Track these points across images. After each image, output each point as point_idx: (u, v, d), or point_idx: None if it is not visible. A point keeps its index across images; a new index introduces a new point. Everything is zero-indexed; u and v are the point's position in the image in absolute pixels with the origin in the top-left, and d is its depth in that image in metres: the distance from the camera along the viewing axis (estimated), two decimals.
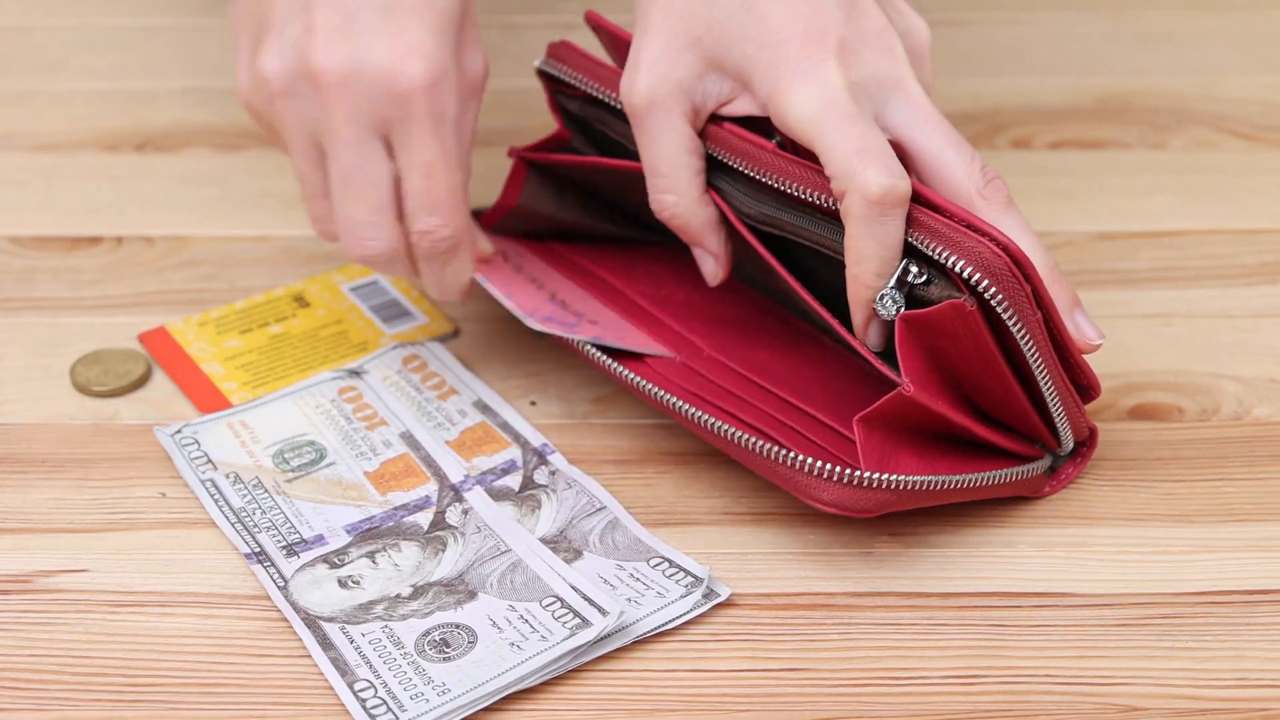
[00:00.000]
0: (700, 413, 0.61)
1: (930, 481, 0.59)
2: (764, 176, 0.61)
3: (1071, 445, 0.63)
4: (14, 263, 0.77)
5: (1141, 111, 0.87)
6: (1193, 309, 0.73)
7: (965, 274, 0.57)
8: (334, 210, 0.64)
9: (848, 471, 0.57)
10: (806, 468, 0.58)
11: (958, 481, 0.59)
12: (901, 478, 0.58)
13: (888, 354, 0.60)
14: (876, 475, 0.57)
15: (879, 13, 0.62)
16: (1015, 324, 0.57)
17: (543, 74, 0.70)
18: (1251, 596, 0.59)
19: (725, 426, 0.60)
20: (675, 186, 0.63)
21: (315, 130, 0.63)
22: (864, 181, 0.57)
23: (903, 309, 0.58)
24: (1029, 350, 0.58)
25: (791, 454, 0.58)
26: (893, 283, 0.58)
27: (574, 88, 0.68)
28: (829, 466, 0.58)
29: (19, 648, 0.58)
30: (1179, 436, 0.66)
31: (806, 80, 0.59)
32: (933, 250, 0.57)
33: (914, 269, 0.58)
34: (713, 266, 0.65)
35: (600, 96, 0.67)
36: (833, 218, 0.60)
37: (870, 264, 0.58)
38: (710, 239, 0.64)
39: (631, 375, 0.63)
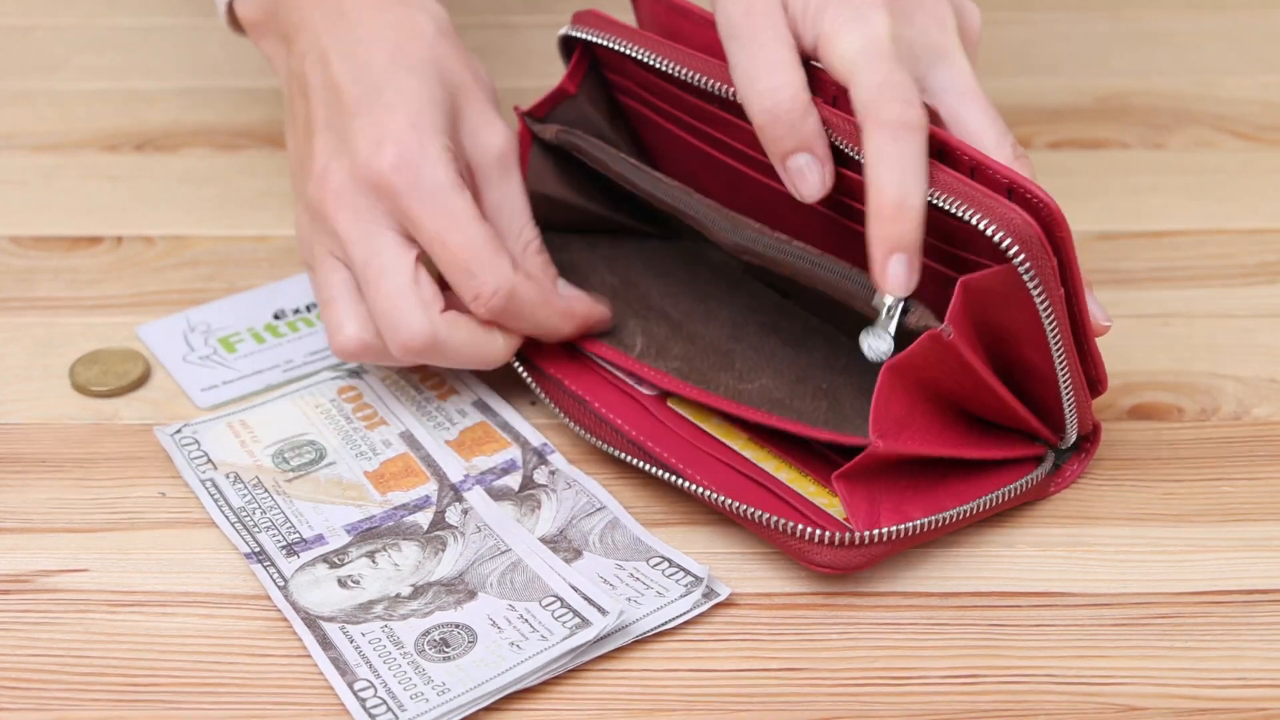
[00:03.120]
0: (689, 483, 0.61)
1: (927, 524, 0.59)
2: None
3: (1074, 438, 0.62)
4: (14, 263, 0.77)
5: (1141, 111, 0.87)
6: (1193, 309, 0.73)
7: (996, 238, 0.56)
8: (371, 314, 0.64)
9: (839, 535, 0.57)
10: (798, 534, 0.58)
11: (957, 515, 0.59)
12: (896, 528, 0.58)
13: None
14: (869, 532, 0.57)
15: None
16: (1040, 295, 0.56)
17: (565, 42, 0.69)
18: (1251, 596, 0.59)
19: (717, 495, 0.60)
20: (793, 84, 0.60)
21: (328, 247, 0.65)
22: (879, 109, 0.57)
23: (892, 350, 0.58)
24: (1049, 325, 0.57)
25: (783, 522, 0.58)
26: (886, 336, 0.58)
27: (605, 49, 0.67)
28: (820, 532, 0.58)
29: (19, 648, 0.58)
30: (1179, 436, 0.66)
31: (855, 25, 0.59)
32: (963, 212, 0.56)
33: (887, 302, 0.58)
34: (819, 174, 0.60)
35: (640, 56, 0.65)
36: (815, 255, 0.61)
37: (887, 192, 0.57)
38: (820, 144, 0.60)
39: (610, 448, 0.64)
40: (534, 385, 0.66)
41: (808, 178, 0.60)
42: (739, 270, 0.70)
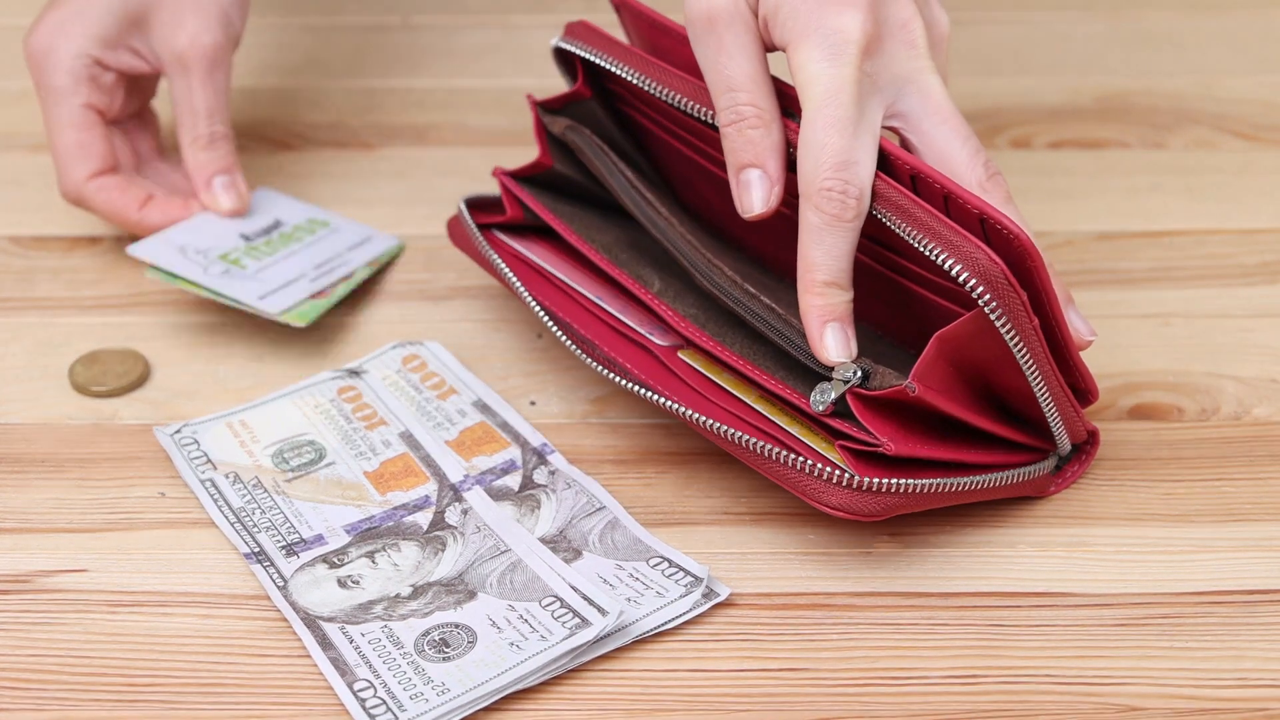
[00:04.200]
0: (702, 416, 0.61)
1: (938, 484, 0.59)
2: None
3: (1069, 449, 0.63)
4: (14, 263, 0.77)
5: (1141, 111, 0.87)
6: (1193, 309, 0.73)
7: (961, 279, 0.56)
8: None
9: (854, 476, 0.57)
10: (812, 471, 0.58)
11: (965, 484, 0.59)
12: (908, 481, 0.58)
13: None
14: (883, 480, 0.57)
15: (908, 1, 0.62)
16: (1009, 333, 0.57)
17: (560, 52, 0.69)
18: (1251, 596, 0.59)
19: (728, 429, 0.60)
20: (756, 99, 0.61)
21: None
22: (821, 200, 0.58)
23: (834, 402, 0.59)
24: (1022, 358, 0.58)
25: (797, 457, 0.58)
26: (830, 395, 0.59)
27: (592, 66, 0.67)
28: (834, 471, 0.57)
29: (19, 648, 0.58)
30: (1179, 436, 0.66)
31: (824, 56, 0.59)
32: (929, 250, 0.57)
33: (848, 374, 0.58)
34: (765, 192, 0.61)
35: (625, 75, 0.65)
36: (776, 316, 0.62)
37: (818, 273, 0.59)
38: (774, 162, 0.61)
39: (626, 383, 0.63)
40: (550, 323, 0.66)
41: (752, 193, 0.61)
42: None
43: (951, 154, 0.61)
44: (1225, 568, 0.60)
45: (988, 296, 0.56)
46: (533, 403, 0.68)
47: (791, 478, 0.59)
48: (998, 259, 0.56)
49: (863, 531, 0.62)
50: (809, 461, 0.58)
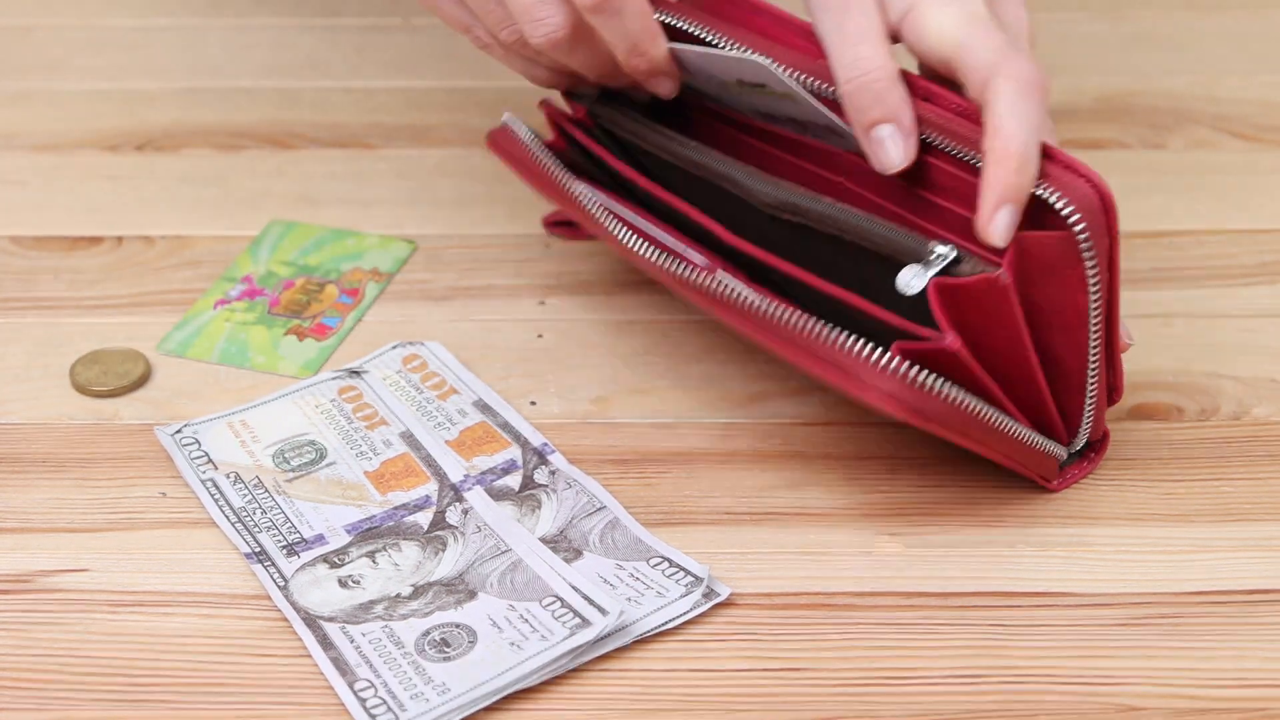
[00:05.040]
0: (747, 293, 0.58)
1: (975, 406, 0.57)
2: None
3: (1084, 442, 0.62)
4: (14, 263, 0.77)
5: (1141, 111, 0.87)
6: (1193, 309, 0.73)
7: (1059, 205, 0.56)
8: (508, 14, 0.66)
9: (904, 364, 0.55)
10: (864, 354, 0.56)
11: (997, 419, 0.58)
12: (953, 390, 0.56)
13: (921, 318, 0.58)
14: (931, 378, 0.56)
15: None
16: (1093, 271, 0.56)
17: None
18: (1251, 596, 0.59)
19: (774, 306, 0.58)
20: (882, 54, 0.61)
21: None
22: (1013, 65, 0.59)
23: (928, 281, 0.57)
24: (1094, 301, 0.57)
25: (847, 336, 0.56)
26: (925, 276, 0.57)
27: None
28: (884, 353, 0.56)
29: (19, 648, 0.58)
30: (1179, 436, 0.66)
31: (949, 1, 0.61)
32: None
33: (940, 249, 0.57)
34: (902, 145, 0.61)
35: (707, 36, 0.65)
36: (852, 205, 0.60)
37: (1013, 143, 0.58)
38: (907, 115, 0.61)
39: (675, 263, 0.62)
40: (604, 218, 0.65)
41: (889, 149, 0.61)
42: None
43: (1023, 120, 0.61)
44: (1225, 567, 0.60)
45: (1083, 225, 0.56)
46: (533, 403, 0.69)
47: (841, 360, 0.56)
48: (1094, 190, 0.56)
49: (863, 531, 0.62)
50: (862, 341, 0.56)
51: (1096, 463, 0.64)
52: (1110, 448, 0.65)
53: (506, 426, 0.67)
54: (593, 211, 0.65)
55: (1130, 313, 0.72)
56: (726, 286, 0.60)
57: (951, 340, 0.56)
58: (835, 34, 0.62)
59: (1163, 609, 0.59)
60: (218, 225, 0.79)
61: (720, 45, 0.64)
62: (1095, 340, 0.58)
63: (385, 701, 0.55)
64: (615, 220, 0.65)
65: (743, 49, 0.63)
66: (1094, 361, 0.58)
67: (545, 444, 0.66)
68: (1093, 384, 0.59)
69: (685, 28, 0.65)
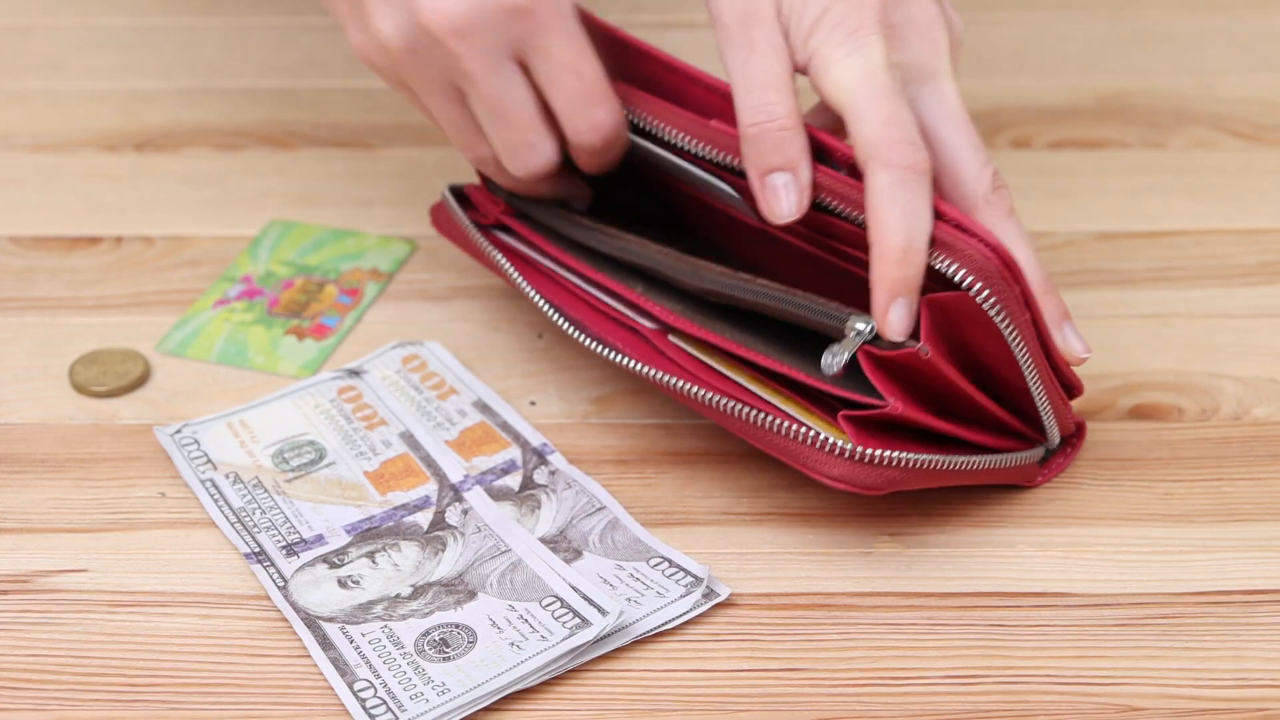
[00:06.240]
0: (700, 389, 0.60)
1: (935, 460, 0.58)
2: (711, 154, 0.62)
3: (1058, 440, 0.63)
4: (14, 263, 0.77)
5: (1141, 111, 0.87)
6: (1192, 309, 0.73)
7: (958, 278, 0.57)
8: (491, 142, 0.65)
9: (854, 448, 0.57)
10: (813, 442, 0.57)
11: (961, 463, 0.59)
12: (907, 455, 0.57)
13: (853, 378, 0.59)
14: (883, 452, 0.57)
15: (931, 1, 0.62)
16: (1006, 325, 0.57)
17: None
18: (1251, 596, 0.59)
19: (726, 401, 0.59)
20: (785, 100, 0.60)
21: (449, 78, 0.63)
22: (887, 150, 0.58)
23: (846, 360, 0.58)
24: (1019, 350, 0.58)
25: (798, 427, 0.58)
26: (843, 355, 0.58)
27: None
28: (836, 441, 0.57)
29: (19, 648, 0.58)
30: (1178, 436, 0.66)
31: (851, 54, 0.60)
32: (928, 255, 0.57)
33: (858, 325, 0.58)
34: (797, 197, 0.60)
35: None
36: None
37: (894, 237, 0.57)
38: (804, 166, 0.60)
39: (620, 358, 0.63)
40: (541, 302, 0.66)
41: (782, 198, 0.60)
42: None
43: (962, 160, 0.61)
44: (1225, 568, 0.60)
45: (986, 292, 0.56)
46: (533, 403, 0.69)
47: (792, 449, 0.58)
48: (992, 254, 0.56)
49: (863, 531, 0.62)
50: (810, 430, 0.58)
51: (1078, 448, 0.64)
52: (1110, 448, 0.65)
53: (506, 427, 0.67)
54: (534, 299, 0.66)
55: (1130, 313, 0.72)
56: (678, 383, 0.61)
57: (893, 405, 0.57)
58: (740, 73, 0.61)
59: (1162, 609, 0.59)
60: (217, 225, 0.79)
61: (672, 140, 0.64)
62: (1029, 367, 0.59)
63: (385, 702, 0.55)
64: (552, 308, 0.66)
65: (704, 174, 0.64)
66: (1034, 382, 0.59)
67: (545, 444, 0.66)
68: (1041, 398, 0.60)
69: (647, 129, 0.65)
